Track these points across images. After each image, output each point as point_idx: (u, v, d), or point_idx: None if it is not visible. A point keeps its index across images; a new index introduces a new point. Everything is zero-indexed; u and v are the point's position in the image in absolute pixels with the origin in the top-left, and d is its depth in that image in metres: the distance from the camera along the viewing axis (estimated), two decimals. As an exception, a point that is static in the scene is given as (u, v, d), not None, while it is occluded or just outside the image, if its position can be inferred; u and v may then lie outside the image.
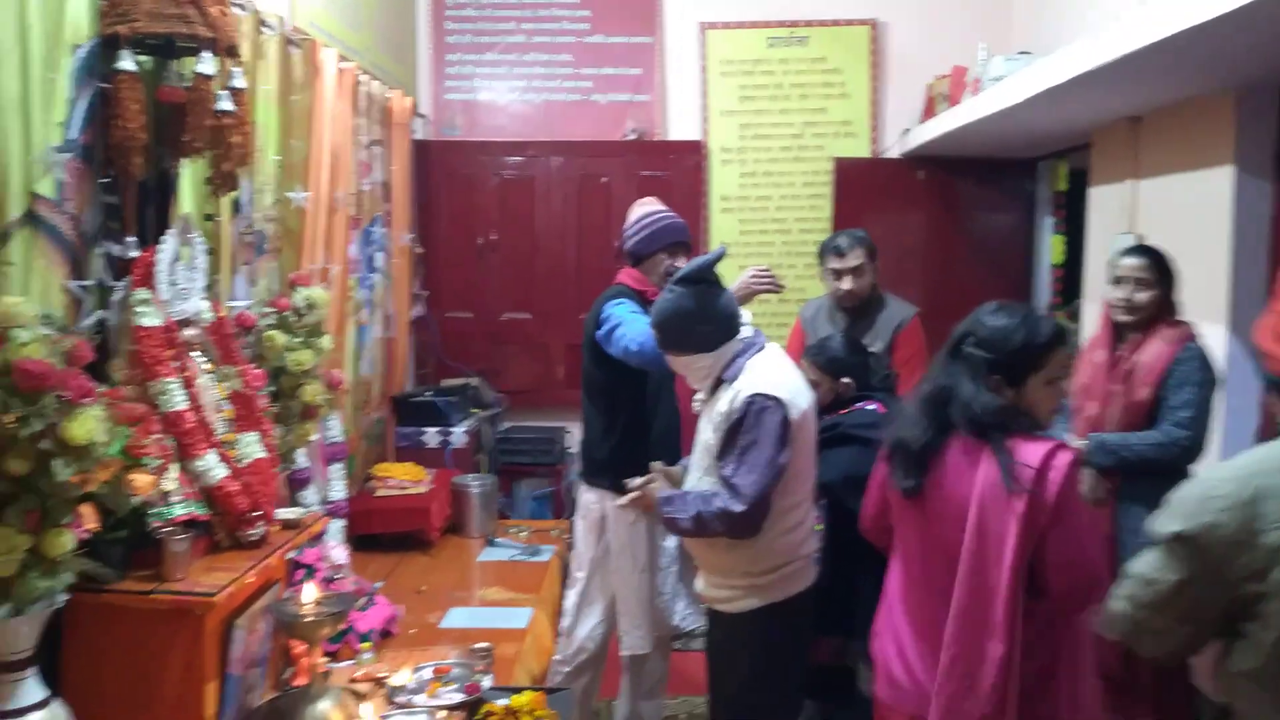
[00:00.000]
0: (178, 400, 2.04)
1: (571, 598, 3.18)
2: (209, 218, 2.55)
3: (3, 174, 1.81)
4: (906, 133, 4.95)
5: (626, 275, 3.10)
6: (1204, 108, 3.28)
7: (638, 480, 2.43)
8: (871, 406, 2.80)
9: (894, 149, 5.06)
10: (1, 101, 1.80)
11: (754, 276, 2.88)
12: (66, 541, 1.62)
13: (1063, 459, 1.88)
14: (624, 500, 2.49)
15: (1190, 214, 3.39)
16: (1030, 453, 1.88)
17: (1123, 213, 3.88)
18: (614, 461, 3.02)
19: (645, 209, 3.11)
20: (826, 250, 3.42)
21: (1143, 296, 2.81)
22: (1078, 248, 4.65)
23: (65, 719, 1.71)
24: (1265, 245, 3.15)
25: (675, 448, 3.12)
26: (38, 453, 1.56)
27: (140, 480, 1.84)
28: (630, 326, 2.82)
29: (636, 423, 3.04)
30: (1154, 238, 3.50)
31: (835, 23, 5.07)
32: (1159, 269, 2.83)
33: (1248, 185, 3.15)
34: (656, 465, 2.45)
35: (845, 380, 2.84)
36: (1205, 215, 3.29)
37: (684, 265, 2.80)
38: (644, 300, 2.94)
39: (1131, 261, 2.86)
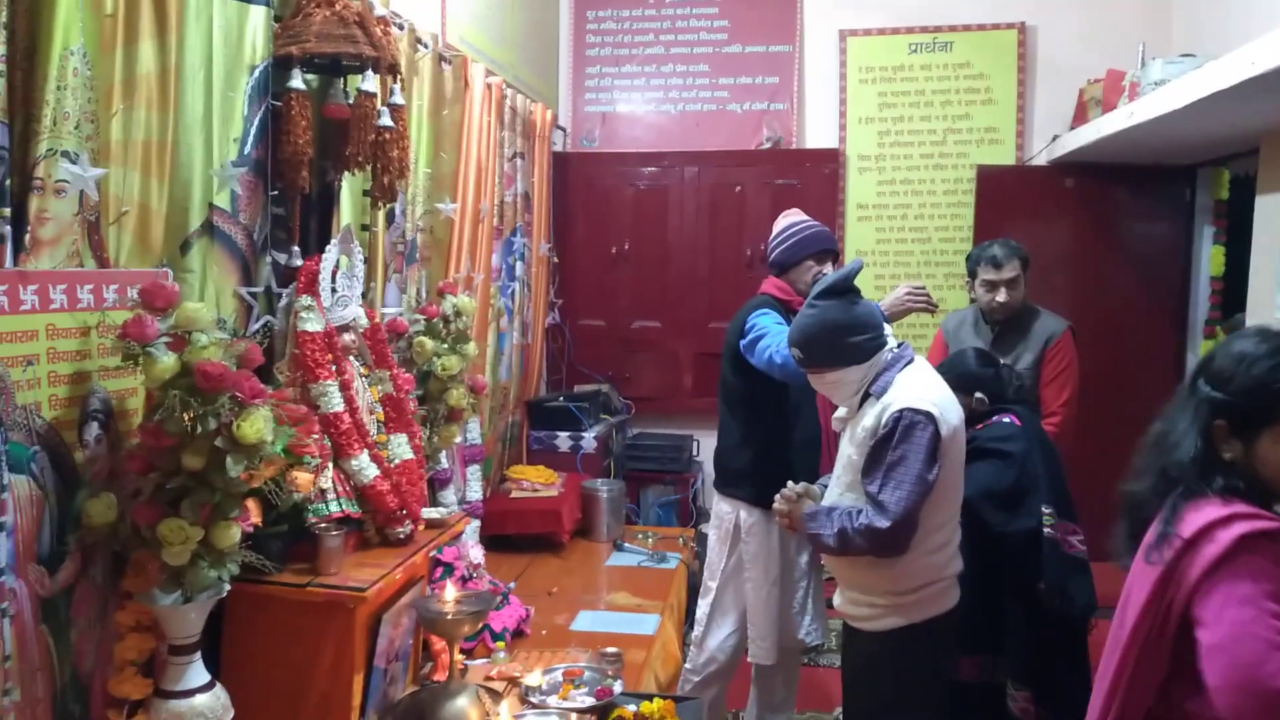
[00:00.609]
0: (335, 402, 2.14)
1: (703, 607, 3.18)
2: (365, 228, 2.67)
3: (186, 187, 1.94)
4: (1055, 139, 4.76)
5: (771, 285, 3.08)
6: (1391, 112, 3.05)
7: (781, 497, 2.40)
8: (1008, 419, 2.72)
9: (1040, 156, 4.88)
10: (187, 120, 1.93)
11: (909, 294, 2.83)
12: (234, 534, 1.73)
13: (1229, 532, 1.46)
14: (760, 529, 2.48)
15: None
16: (1193, 519, 1.51)
17: (1293, 224, 3.64)
18: (750, 472, 3.01)
19: (791, 219, 3.09)
20: (981, 260, 3.31)
21: None
22: (1239, 259, 4.38)
23: (226, 702, 1.81)
24: None
25: (814, 461, 3.09)
26: (212, 449, 1.67)
27: (301, 478, 1.94)
28: (775, 338, 2.81)
29: (775, 434, 3.01)
30: (1330, 252, 3.27)
31: (981, 27, 4.93)
32: None
33: None
34: (798, 485, 2.42)
35: (979, 395, 2.76)
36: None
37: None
38: (788, 310, 2.92)
39: None
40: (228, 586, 1.79)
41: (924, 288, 2.85)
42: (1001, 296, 3.23)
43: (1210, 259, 4.87)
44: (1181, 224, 4.86)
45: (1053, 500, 2.58)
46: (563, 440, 4.31)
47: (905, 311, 2.85)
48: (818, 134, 5.10)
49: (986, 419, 2.74)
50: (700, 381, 5.03)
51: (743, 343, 2.92)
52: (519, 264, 4.17)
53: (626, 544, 3.85)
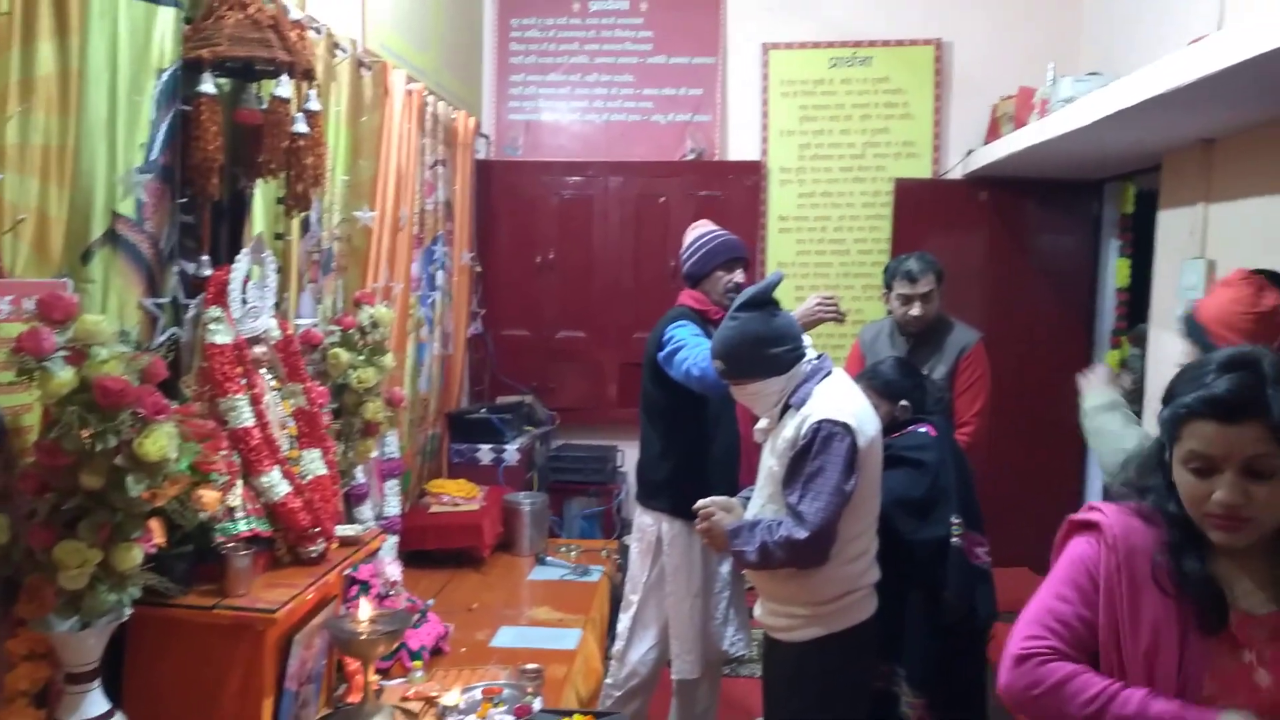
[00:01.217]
0: (245, 417, 2.08)
1: (625, 621, 3.16)
2: (279, 236, 2.60)
3: (87, 194, 1.86)
4: (970, 154, 4.89)
5: (687, 296, 3.10)
6: (1282, 132, 3.19)
7: (702, 513, 2.40)
8: (924, 429, 2.77)
9: (956, 170, 5.00)
10: (89, 124, 1.85)
11: (820, 304, 2.89)
12: (136, 556, 1.66)
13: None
14: (681, 541, 2.49)
15: (1263, 239, 3.29)
16: None
17: (1192, 237, 3.79)
18: (671, 484, 3.01)
19: (699, 230, 3.11)
20: (897, 274, 3.37)
21: None
22: (1144, 271, 4.55)
23: (129, 731, 1.74)
24: (1343, 274, 3.05)
25: (734, 473, 3.10)
26: (111, 468, 1.60)
27: (207, 496, 1.87)
28: (693, 350, 2.82)
29: (695, 446, 3.02)
30: (1225, 263, 3.41)
31: (899, 43, 5.04)
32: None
33: (1327, 213, 3.05)
34: (715, 499, 2.42)
35: (903, 403, 2.80)
36: (1277, 240, 3.19)
37: (742, 280, 2.81)
38: (705, 321, 2.94)
39: None
40: (129, 611, 1.72)
41: (834, 298, 2.92)
42: (916, 310, 3.29)
43: (1116, 271, 5.05)
44: (1089, 237, 5.03)
45: (961, 511, 2.63)
46: (485, 453, 4.26)
47: (817, 321, 2.91)
48: (740, 146, 5.15)
49: (903, 428, 2.78)
50: (625, 392, 5.02)
51: (660, 355, 2.93)
52: (440, 273, 4.12)
53: (549, 557, 3.81)
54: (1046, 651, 1.43)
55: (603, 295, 5.07)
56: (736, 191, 5.04)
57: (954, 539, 2.59)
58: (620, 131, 5.17)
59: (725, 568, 3.12)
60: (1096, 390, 2.60)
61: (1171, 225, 4.02)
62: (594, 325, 5.09)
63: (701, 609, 3.05)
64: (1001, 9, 4.98)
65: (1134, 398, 2.78)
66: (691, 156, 5.11)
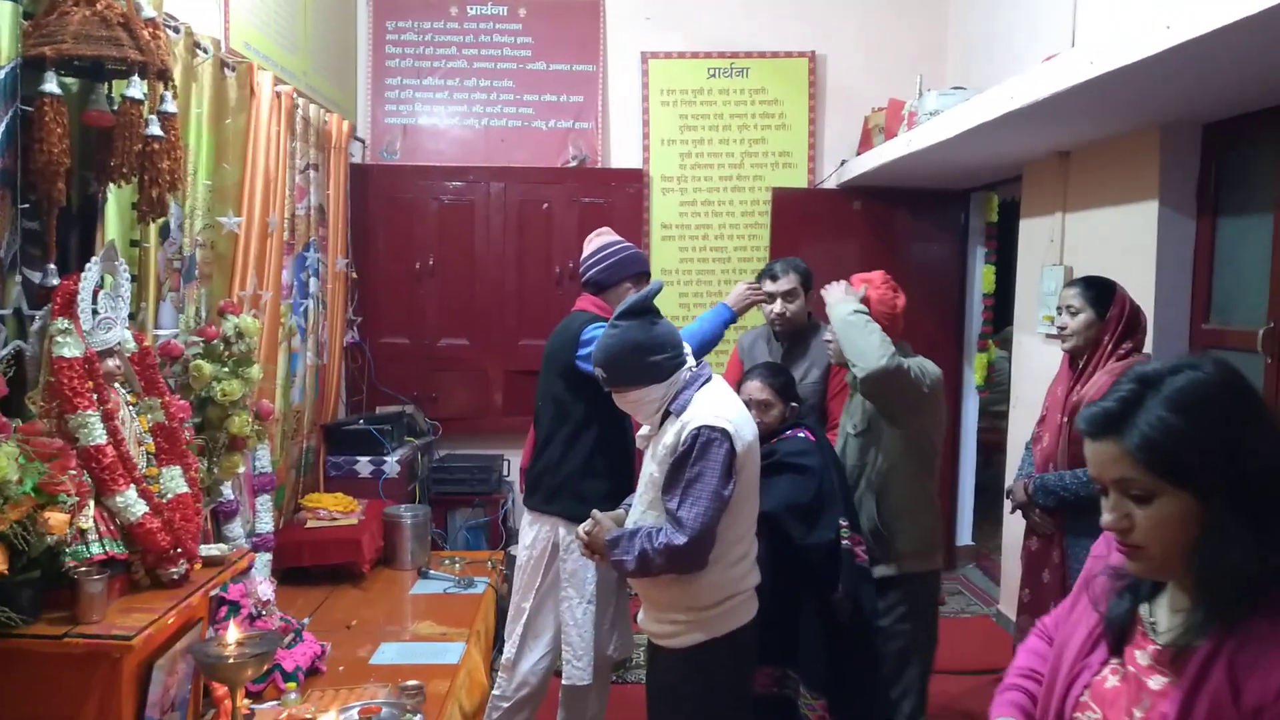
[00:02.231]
0: (97, 434, 1.96)
1: (516, 630, 3.12)
2: (135, 244, 2.47)
3: (-88, 199, 1.73)
4: (843, 164, 5.03)
5: (588, 302, 3.07)
6: (1130, 144, 3.39)
7: (584, 525, 2.39)
8: (802, 434, 2.78)
9: (831, 179, 5.13)
10: (-87, 123, 1.72)
11: (749, 289, 3.18)
12: (-27, 586, 1.55)
13: None
14: (578, 546, 2.46)
15: (1116, 247, 3.49)
16: None
17: (1051, 245, 3.98)
18: (575, 488, 2.99)
19: (604, 239, 3.10)
20: (761, 275, 3.46)
21: (1071, 323, 2.83)
22: (1008, 277, 4.76)
23: (-31, 772, 1.62)
24: (1187, 279, 3.26)
25: (630, 477, 3.09)
26: (-57, 493, 1.49)
27: (54, 519, 1.76)
28: None
29: (602, 449, 3.00)
30: (1081, 270, 3.59)
31: (775, 55, 5.14)
32: (1088, 296, 2.80)
33: (1171, 220, 3.25)
34: (596, 513, 2.42)
35: (793, 405, 2.84)
36: (1131, 248, 3.38)
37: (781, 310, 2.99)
38: None
39: (1065, 290, 2.91)
40: (-33, 643, 1.61)
41: (759, 284, 3.21)
42: (778, 307, 3.37)
43: (983, 277, 5.27)
44: (957, 244, 5.24)
45: (845, 513, 2.68)
46: (363, 465, 4.15)
47: (750, 304, 3.19)
48: (623, 154, 5.17)
49: (781, 433, 2.80)
50: (511, 399, 4.97)
51: (580, 354, 2.90)
52: (313, 280, 3.99)
53: (432, 570, 3.74)
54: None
55: (486, 301, 5.01)
56: (620, 199, 5.06)
57: (843, 541, 2.63)
58: (501, 137, 5.12)
59: (614, 573, 3.11)
60: (843, 298, 2.89)
61: (1032, 233, 4.22)
62: (477, 332, 5.03)
63: (595, 615, 3.04)
64: (873, 22, 5.15)
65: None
66: (574, 163, 5.10)
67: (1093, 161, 3.71)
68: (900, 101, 4.41)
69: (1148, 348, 3.08)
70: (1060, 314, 2.88)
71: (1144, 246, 3.30)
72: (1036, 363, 4.09)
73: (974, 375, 5.27)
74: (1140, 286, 3.22)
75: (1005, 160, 4.19)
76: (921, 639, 2.93)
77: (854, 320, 2.80)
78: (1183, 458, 1.13)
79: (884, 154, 4.34)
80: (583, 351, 2.91)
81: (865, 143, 4.88)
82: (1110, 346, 2.74)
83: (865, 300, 2.89)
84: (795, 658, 2.65)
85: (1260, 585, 1.11)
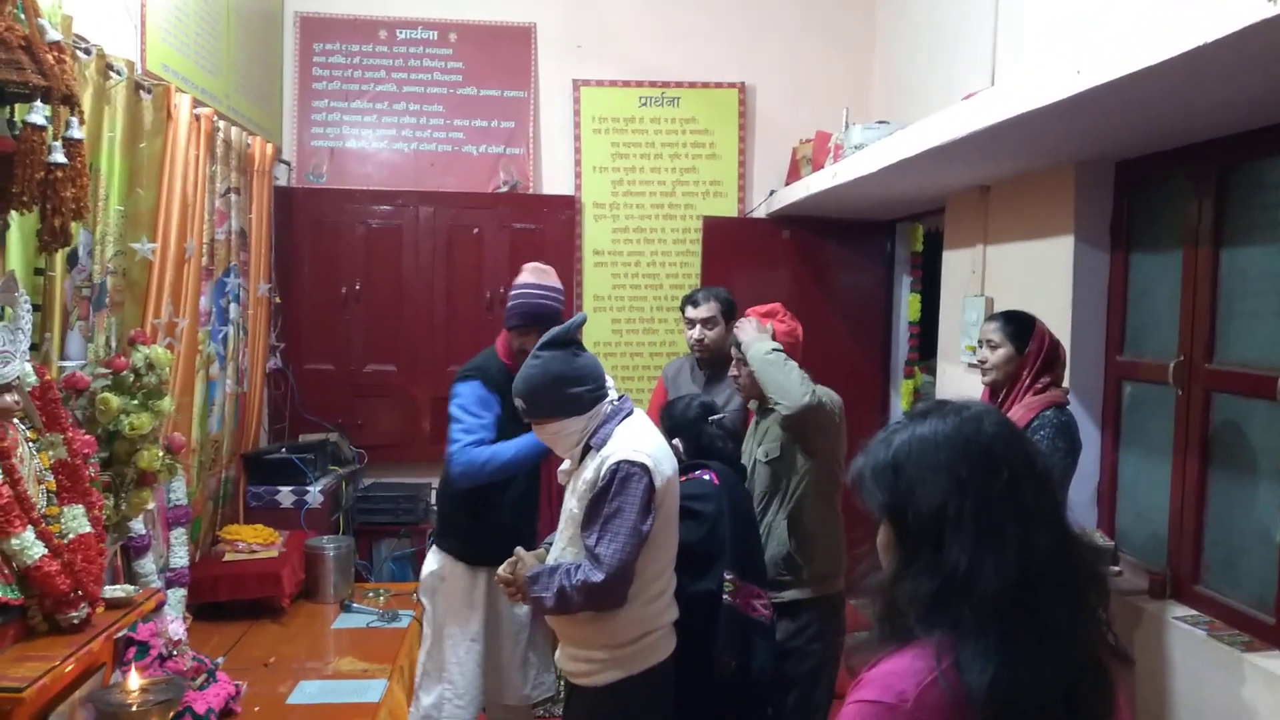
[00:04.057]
0: (-9, 473, 1.88)
1: (420, 664, 3.07)
2: (40, 271, 2.39)
3: None
4: (772, 194, 5.08)
5: (500, 339, 3.05)
6: (1047, 180, 3.47)
7: (504, 566, 2.35)
8: (706, 476, 2.67)
9: (760, 209, 5.19)
10: None
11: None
12: None
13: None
14: (499, 583, 2.41)
15: (1034, 279, 3.57)
16: None
17: (973, 276, 4.06)
18: (462, 527, 2.97)
19: (520, 278, 3.02)
20: (684, 302, 3.50)
21: (991, 357, 2.88)
22: (933, 306, 4.84)
23: None
24: (1102, 312, 3.34)
25: (533, 518, 3.06)
26: None
27: (-59, 565, 1.68)
28: (463, 430, 2.85)
29: (491, 490, 2.93)
30: (1001, 301, 3.67)
31: (705, 85, 5.19)
32: (1007, 331, 2.84)
33: (1086, 254, 3.33)
34: (519, 550, 2.38)
35: (675, 442, 2.68)
36: (1048, 281, 3.46)
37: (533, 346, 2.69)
38: (506, 373, 2.85)
39: (985, 324, 2.96)
40: None
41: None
42: (697, 333, 3.39)
43: (908, 305, 5.36)
44: (884, 273, 5.33)
45: (739, 563, 2.56)
46: (285, 495, 4.05)
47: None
48: (554, 180, 5.16)
49: (688, 473, 2.68)
50: (439, 427, 4.87)
51: (449, 407, 2.90)
52: (233, 306, 3.89)
53: (355, 604, 3.66)
54: None
55: (414, 327, 4.94)
56: (552, 225, 5.04)
57: (725, 596, 2.52)
58: (431, 161, 5.07)
59: (521, 610, 3.06)
60: (757, 336, 2.93)
61: (954, 264, 4.30)
62: (405, 358, 4.95)
63: (480, 653, 2.98)
64: (801, 55, 5.23)
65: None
66: (505, 189, 5.07)
67: (1011, 196, 3.80)
68: (827, 134, 4.48)
69: (1066, 380, 3.16)
70: (981, 347, 2.93)
71: (1060, 280, 3.39)
72: (960, 391, 4.16)
73: (900, 401, 5.35)
74: (1057, 319, 3.30)
75: (928, 193, 4.27)
76: (829, 660, 2.93)
77: (773, 359, 2.83)
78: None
79: (811, 185, 4.40)
80: (450, 408, 2.93)
81: (794, 173, 4.95)
82: (1029, 380, 2.79)
83: (774, 335, 2.94)
84: (680, 710, 2.45)
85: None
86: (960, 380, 4.17)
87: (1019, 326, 2.84)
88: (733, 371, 3.05)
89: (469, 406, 2.88)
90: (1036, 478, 1.18)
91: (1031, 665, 1.09)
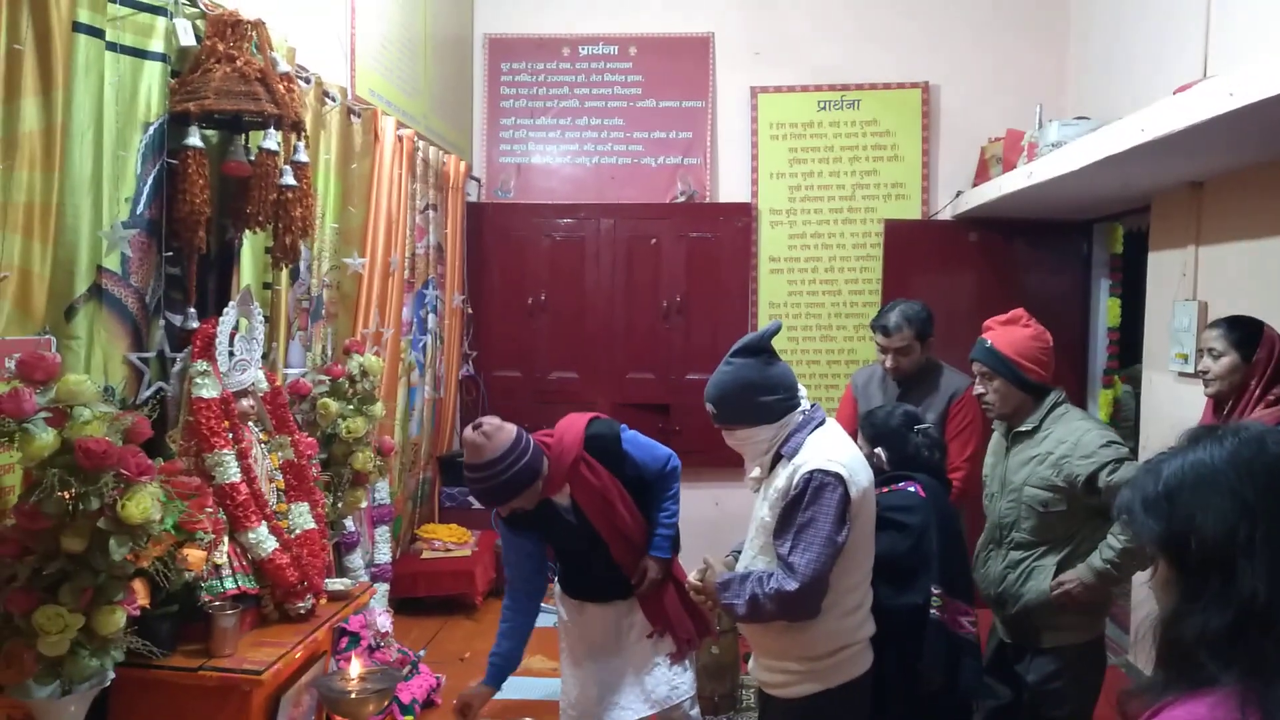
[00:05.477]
0: (232, 472, 2.05)
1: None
2: (268, 286, 2.58)
3: (71, 250, 1.84)
4: (959, 195, 4.91)
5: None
6: (1272, 175, 3.21)
7: (694, 573, 2.36)
8: (912, 488, 2.57)
9: (945, 211, 5.02)
10: (74, 180, 1.84)
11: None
12: (119, 619, 1.62)
13: None
14: (690, 590, 2.40)
15: (1257, 282, 3.30)
16: None
17: (1184, 279, 3.80)
18: None
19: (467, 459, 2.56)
20: (874, 327, 3.38)
21: (1214, 366, 2.67)
22: (1135, 311, 4.55)
23: (110, 798, 1.69)
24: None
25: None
26: (94, 531, 1.57)
27: (193, 555, 1.84)
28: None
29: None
30: (1216, 305, 3.41)
31: (886, 86, 5.08)
32: (1231, 338, 2.64)
33: (1317, 255, 3.06)
34: (707, 556, 2.38)
35: (877, 450, 2.63)
36: (1272, 285, 3.20)
37: None
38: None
39: (1207, 331, 2.76)
40: (112, 675, 1.68)
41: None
42: (890, 362, 3.30)
43: (1107, 310, 5.06)
44: (1079, 277, 5.05)
45: (946, 579, 2.49)
46: (476, 497, 4.21)
47: None
48: (730, 188, 5.17)
49: (892, 484, 2.60)
50: (617, 432, 4.98)
51: None
52: (431, 316, 4.10)
53: (545, 604, 3.75)
54: None
55: (595, 336, 5.06)
56: (727, 233, 5.05)
57: (933, 610, 2.44)
58: (611, 174, 5.18)
59: (632, 634, 2.81)
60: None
61: (1162, 266, 4.03)
62: (586, 366, 5.07)
63: (563, 676, 2.84)
64: (988, 52, 5.03)
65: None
66: (682, 199, 5.12)
67: (1230, 192, 3.53)
68: (1019, 132, 4.29)
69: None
70: (1202, 356, 2.73)
71: (1285, 281, 3.12)
72: (1167, 402, 3.89)
73: (1098, 413, 5.05)
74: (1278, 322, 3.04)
75: (1132, 191, 4.02)
76: (1087, 705, 2.75)
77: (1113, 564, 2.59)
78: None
79: (1003, 185, 4.22)
80: None
81: (982, 173, 4.76)
82: (1258, 392, 2.57)
83: (996, 346, 2.78)
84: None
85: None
86: (1169, 390, 3.90)
87: (1245, 333, 2.62)
88: (979, 389, 2.86)
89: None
90: None
91: None
